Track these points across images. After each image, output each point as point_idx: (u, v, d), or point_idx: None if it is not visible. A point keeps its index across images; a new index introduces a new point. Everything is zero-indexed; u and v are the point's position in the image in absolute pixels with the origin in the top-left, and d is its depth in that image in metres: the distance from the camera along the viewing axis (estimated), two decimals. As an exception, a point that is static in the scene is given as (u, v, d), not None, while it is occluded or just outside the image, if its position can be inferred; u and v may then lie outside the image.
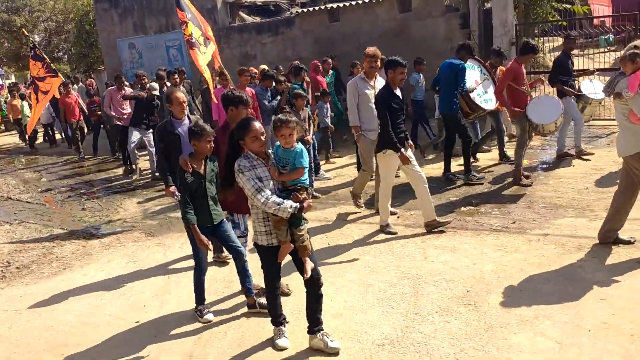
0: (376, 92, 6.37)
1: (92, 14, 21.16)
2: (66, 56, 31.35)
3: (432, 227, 6.13)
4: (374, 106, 6.40)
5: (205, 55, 7.54)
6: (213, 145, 4.56)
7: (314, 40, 14.05)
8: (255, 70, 10.83)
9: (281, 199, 3.78)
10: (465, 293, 4.64)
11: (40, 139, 17.35)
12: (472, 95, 8.07)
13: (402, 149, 6.00)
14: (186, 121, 5.67)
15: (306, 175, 3.94)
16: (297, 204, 3.78)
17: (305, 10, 14.74)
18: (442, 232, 6.08)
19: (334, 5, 14.07)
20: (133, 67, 17.65)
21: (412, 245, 5.85)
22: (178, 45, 16.88)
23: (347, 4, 13.77)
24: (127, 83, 11.78)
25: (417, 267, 5.27)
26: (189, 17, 7.48)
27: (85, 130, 14.02)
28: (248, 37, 15.46)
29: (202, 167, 4.58)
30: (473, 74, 8.39)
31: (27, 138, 16.02)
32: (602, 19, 16.06)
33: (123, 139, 11.13)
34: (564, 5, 12.08)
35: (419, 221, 6.42)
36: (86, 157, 13.61)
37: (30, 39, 15.58)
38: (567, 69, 8.33)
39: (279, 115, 3.93)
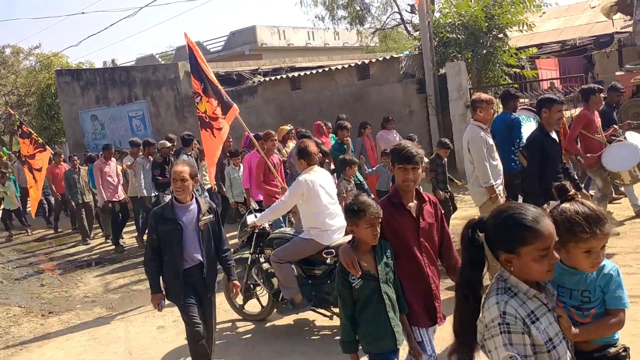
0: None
1: (54, 87, 21.25)
2: (27, 129, 31.09)
3: None
4: (498, 157, 5.69)
5: (222, 131, 6.52)
6: (378, 230, 2.99)
7: (277, 107, 14.35)
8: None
9: None
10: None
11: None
12: None
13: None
14: (194, 206, 4.28)
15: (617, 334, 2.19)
16: None
17: (267, 79, 15.14)
18: None
19: (296, 74, 14.50)
20: (95, 139, 17.66)
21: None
22: (141, 115, 17.01)
23: (308, 72, 14.22)
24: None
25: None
26: (202, 88, 6.56)
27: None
28: (211, 106, 15.66)
29: (373, 263, 3.03)
30: (531, 127, 7.21)
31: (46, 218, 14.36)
32: (552, 80, 16.92)
33: (115, 214, 10.23)
34: (514, 70, 12.68)
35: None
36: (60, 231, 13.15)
37: (16, 116, 15.42)
38: (611, 121, 7.59)
39: (568, 206, 2.12)
